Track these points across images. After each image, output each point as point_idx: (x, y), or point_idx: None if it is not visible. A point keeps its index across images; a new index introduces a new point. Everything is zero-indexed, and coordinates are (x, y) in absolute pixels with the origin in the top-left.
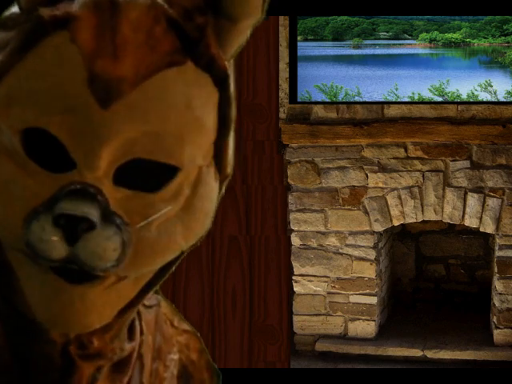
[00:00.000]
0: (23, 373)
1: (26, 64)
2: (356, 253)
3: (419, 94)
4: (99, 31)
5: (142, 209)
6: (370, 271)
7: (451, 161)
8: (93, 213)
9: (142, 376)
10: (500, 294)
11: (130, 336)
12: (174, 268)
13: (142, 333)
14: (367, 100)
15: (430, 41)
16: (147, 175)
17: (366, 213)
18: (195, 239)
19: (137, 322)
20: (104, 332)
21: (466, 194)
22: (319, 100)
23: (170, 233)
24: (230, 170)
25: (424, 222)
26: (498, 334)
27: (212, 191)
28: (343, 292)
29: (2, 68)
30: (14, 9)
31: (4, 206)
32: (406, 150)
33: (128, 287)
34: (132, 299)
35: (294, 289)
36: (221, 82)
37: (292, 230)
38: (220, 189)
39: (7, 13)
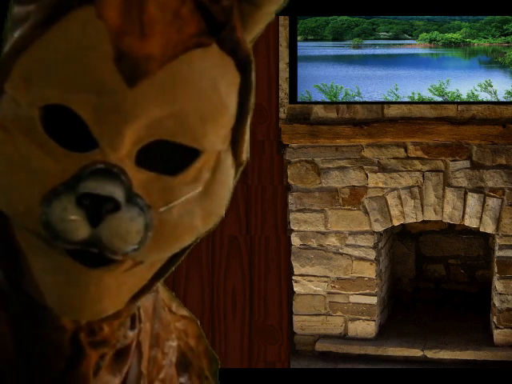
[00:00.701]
0: (28, 361)
1: (48, 39)
2: (356, 253)
3: (419, 94)
4: (126, 8)
5: (163, 191)
6: (369, 271)
7: (451, 161)
8: (118, 193)
9: (140, 364)
10: (500, 294)
11: (132, 324)
12: (186, 253)
13: (140, 320)
14: (367, 100)
15: (430, 41)
16: (169, 158)
17: (366, 213)
18: (212, 224)
19: (137, 310)
20: (114, 318)
21: (465, 193)
22: (319, 100)
23: (190, 217)
24: (245, 156)
25: (424, 221)
26: (498, 334)
27: (229, 176)
28: (343, 292)
29: (22, 42)
30: None
31: (20, 185)
32: (406, 150)
33: (143, 273)
34: (144, 285)
35: (294, 289)
36: (243, 67)
37: (292, 230)
38: (235, 175)
39: None
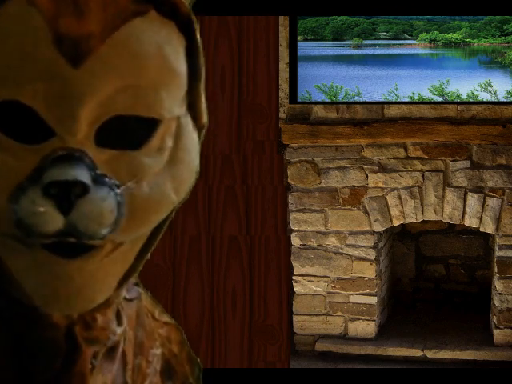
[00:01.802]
0: (25, 363)
1: None
2: (356, 253)
3: (419, 94)
4: None
5: (129, 167)
6: (370, 271)
7: (451, 161)
8: (84, 176)
9: (125, 373)
10: (500, 294)
11: (118, 320)
12: (165, 227)
13: (124, 329)
14: (367, 100)
15: (430, 41)
16: (129, 132)
17: (366, 213)
18: (185, 192)
19: (122, 310)
20: (106, 306)
21: (465, 193)
22: (319, 100)
23: (160, 187)
24: (205, 118)
25: (424, 221)
26: (498, 334)
27: (193, 140)
28: (343, 292)
29: None
30: None
31: None
32: (406, 150)
33: (125, 253)
34: (130, 267)
35: (294, 289)
36: (186, 28)
37: (292, 230)
38: (199, 137)
39: None
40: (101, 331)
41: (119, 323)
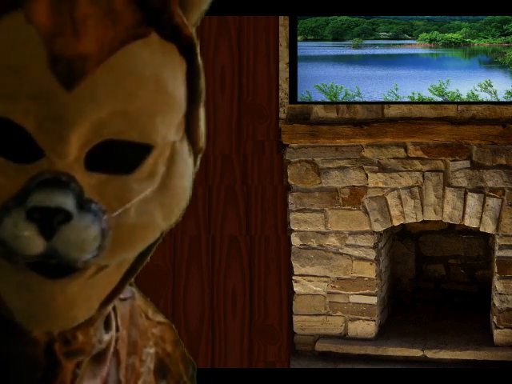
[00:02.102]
0: (4, 375)
1: None
2: (356, 253)
3: (419, 94)
4: (56, 8)
5: (118, 192)
6: (370, 271)
7: (451, 161)
8: (68, 202)
9: (118, 372)
10: (500, 294)
11: (107, 327)
12: (153, 250)
13: (117, 328)
14: (367, 100)
15: (430, 41)
16: (120, 157)
17: (366, 213)
18: (175, 218)
19: (112, 314)
20: (88, 325)
21: (465, 193)
22: (319, 100)
23: (149, 214)
24: (202, 142)
25: (424, 221)
26: (498, 334)
27: (187, 167)
28: (343, 292)
29: None
30: None
31: None
32: (406, 150)
33: (110, 276)
34: (114, 288)
35: (294, 289)
36: (187, 51)
37: (292, 230)
38: (195, 163)
39: None
40: (82, 345)
41: (108, 328)
